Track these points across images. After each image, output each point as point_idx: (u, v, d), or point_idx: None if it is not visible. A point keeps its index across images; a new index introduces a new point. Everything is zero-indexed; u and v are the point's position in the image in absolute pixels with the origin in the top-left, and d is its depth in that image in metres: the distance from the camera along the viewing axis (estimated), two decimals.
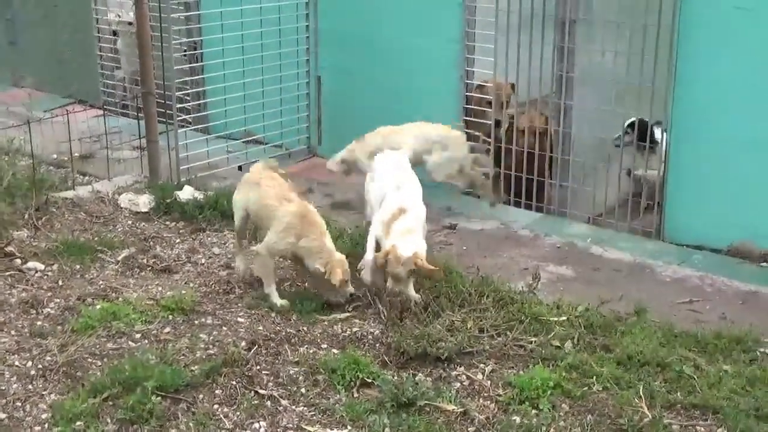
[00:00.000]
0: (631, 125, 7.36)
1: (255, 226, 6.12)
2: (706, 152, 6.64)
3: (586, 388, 4.76)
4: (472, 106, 7.75)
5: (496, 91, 7.57)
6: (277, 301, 5.65)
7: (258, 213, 5.87)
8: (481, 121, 7.73)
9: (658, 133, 7.23)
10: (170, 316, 5.47)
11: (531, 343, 5.19)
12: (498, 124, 7.61)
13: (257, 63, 8.13)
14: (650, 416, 4.49)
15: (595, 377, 4.84)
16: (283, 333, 5.32)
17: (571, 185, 7.42)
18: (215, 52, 8.11)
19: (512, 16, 7.31)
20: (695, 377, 4.85)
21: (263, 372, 4.91)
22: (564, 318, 5.43)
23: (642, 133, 7.21)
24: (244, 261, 6.03)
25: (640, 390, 4.71)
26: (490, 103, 7.62)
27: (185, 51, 8.61)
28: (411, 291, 5.56)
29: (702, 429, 4.50)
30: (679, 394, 4.72)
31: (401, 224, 5.66)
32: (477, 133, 7.72)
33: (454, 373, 4.95)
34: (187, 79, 8.18)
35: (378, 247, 5.75)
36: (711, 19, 6.45)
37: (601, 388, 4.77)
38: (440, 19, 7.72)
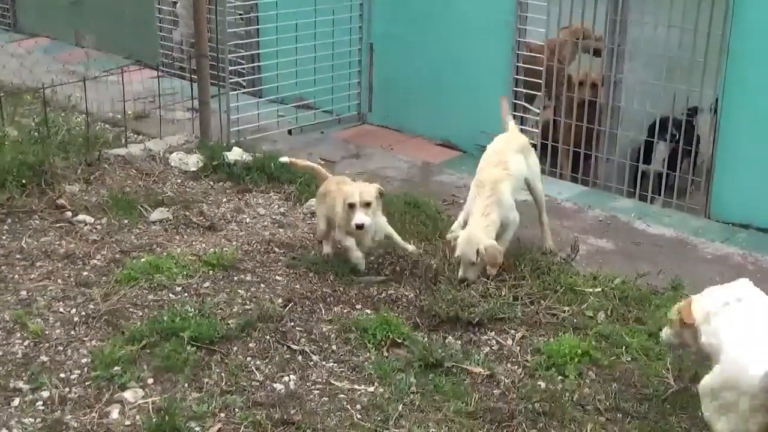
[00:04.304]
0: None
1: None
2: (755, 130, 6.54)
3: (614, 358, 4.79)
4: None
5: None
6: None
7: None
8: (532, 92, 7.71)
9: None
10: (211, 272, 5.60)
11: (564, 312, 5.22)
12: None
13: (311, 28, 8.19)
14: (676, 387, 4.50)
15: (624, 347, 4.86)
16: (319, 292, 5.42)
17: (618, 159, 7.37)
18: (270, 16, 8.19)
19: None
20: None
21: (297, 328, 5.02)
22: (599, 289, 5.43)
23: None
24: (332, 245, 5.99)
25: (668, 362, 4.72)
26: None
27: (240, 15, 8.71)
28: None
29: None
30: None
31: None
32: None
33: (484, 337, 5.01)
34: (240, 42, 8.27)
35: None
36: None
37: (629, 359, 4.79)
38: None
